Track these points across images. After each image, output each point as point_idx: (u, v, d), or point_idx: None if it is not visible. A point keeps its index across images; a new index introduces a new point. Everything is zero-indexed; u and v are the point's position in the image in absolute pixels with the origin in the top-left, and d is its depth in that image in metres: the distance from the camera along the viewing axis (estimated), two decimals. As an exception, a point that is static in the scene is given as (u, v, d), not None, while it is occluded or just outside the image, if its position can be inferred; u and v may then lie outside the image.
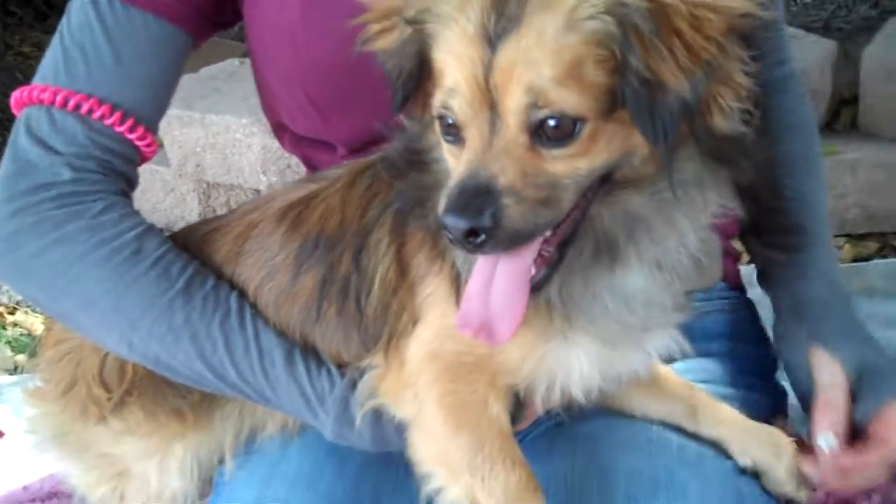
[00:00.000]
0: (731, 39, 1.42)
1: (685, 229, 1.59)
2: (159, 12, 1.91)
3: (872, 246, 4.48)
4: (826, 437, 1.80)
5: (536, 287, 1.49)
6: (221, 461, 2.01)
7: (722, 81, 1.43)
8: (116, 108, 1.89)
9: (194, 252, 1.90)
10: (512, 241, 1.40)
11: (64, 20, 1.94)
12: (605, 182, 1.48)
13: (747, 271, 2.35)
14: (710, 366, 2.07)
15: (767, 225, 2.08)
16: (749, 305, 2.29)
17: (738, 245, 2.43)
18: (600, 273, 1.58)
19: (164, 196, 5.04)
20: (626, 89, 1.39)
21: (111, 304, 1.82)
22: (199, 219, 4.93)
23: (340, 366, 1.81)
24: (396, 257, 1.73)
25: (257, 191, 4.73)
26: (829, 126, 4.65)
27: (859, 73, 4.55)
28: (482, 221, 1.36)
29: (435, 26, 1.49)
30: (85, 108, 1.87)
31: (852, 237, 4.50)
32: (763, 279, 2.11)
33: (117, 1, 1.90)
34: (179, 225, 5.08)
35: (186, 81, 4.75)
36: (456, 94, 1.43)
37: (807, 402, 1.91)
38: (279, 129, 2.23)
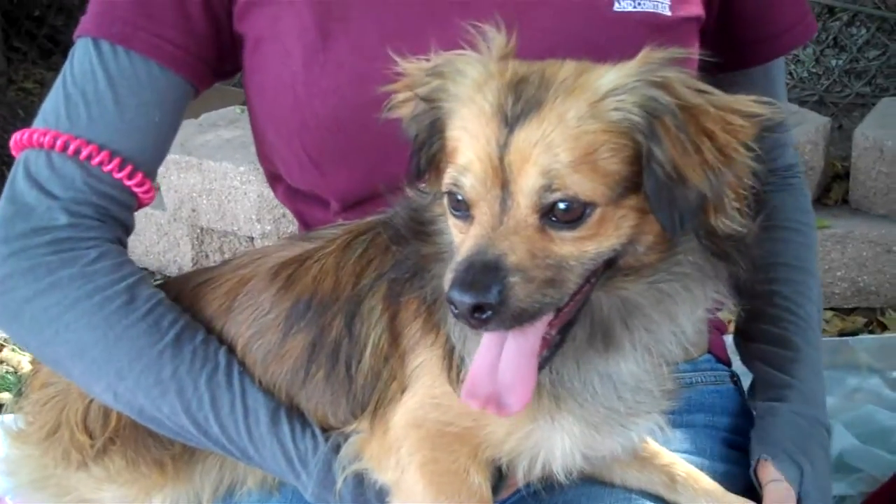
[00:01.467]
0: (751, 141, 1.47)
1: (682, 321, 1.60)
2: (162, 60, 1.93)
3: (859, 320, 4.51)
4: None
5: (538, 367, 1.49)
6: (199, 514, 2.00)
7: (729, 184, 1.48)
8: (116, 154, 1.90)
9: (185, 304, 1.90)
10: (516, 320, 1.40)
11: (67, 64, 1.96)
12: (610, 267, 1.49)
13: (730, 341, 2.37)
14: (691, 437, 2.08)
15: (757, 332, 2.12)
16: (734, 378, 2.30)
17: (724, 315, 2.45)
18: (593, 357, 1.59)
19: (158, 239, 5.05)
20: (648, 179, 1.43)
21: (100, 352, 1.82)
22: (191, 263, 5.00)
23: (326, 430, 1.80)
24: (389, 326, 1.73)
25: (251, 238, 4.74)
26: (821, 200, 4.71)
27: (852, 149, 4.59)
28: (488, 298, 1.36)
29: (450, 105, 1.51)
30: (84, 153, 1.88)
31: (840, 311, 4.53)
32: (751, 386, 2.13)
33: (121, 47, 1.92)
34: (172, 269, 5.09)
35: (186, 126, 4.79)
36: (468, 171, 1.44)
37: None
38: (274, 180, 2.23)
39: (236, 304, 1.86)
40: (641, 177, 1.44)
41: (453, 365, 1.62)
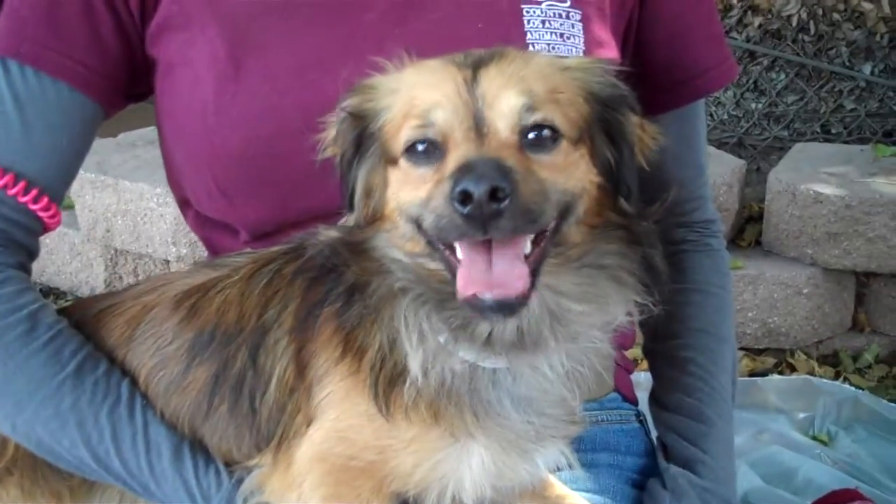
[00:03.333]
0: None
1: (613, 309, 1.61)
2: (72, 81, 1.89)
3: (769, 361, 4.58)
4: None
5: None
6: (96, 545, 1.95)
7: None
8: (21, 177, 1.86)
9: (88, 331, 1.85)
10: (523, 219, 1.38)
11: None
12: (559, 225, 1.50)
13: (640, 378, 2.39)
14: (595, 476, 2.08)
15: (670, 402, 2.11)
16: (640, 417, 2.31)
17: (631, 354, 2.47)
18: (517, 366, 1.59)
19: (71, 259, 4.96)
20: (624, 145, 1.57)
21: None
22: (104, 285, 4.92)
23: (230, 464, 1.77)
24: (295, 358, 1.70)
25: (167, 261, 4.67)
26: (734, 241, 4.79)
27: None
28: (505, 182, 1.33)
29: (387, 98, 1.55)
30: None
31: (750, 351, 4.60)
32: (659, 440, 2.14)
33: (29, 67, 1.87)
34: (84, 290, 5.00)
35: (103, 145, 4.72)
36: (437, 108, 1.45)
37: None
38: (184, 205, 2.19)
39: (139, 332, 1.82)
40: (589, 136, 1.54)
41: (381, 382, 1.59)
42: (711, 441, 2.05)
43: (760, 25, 6.15)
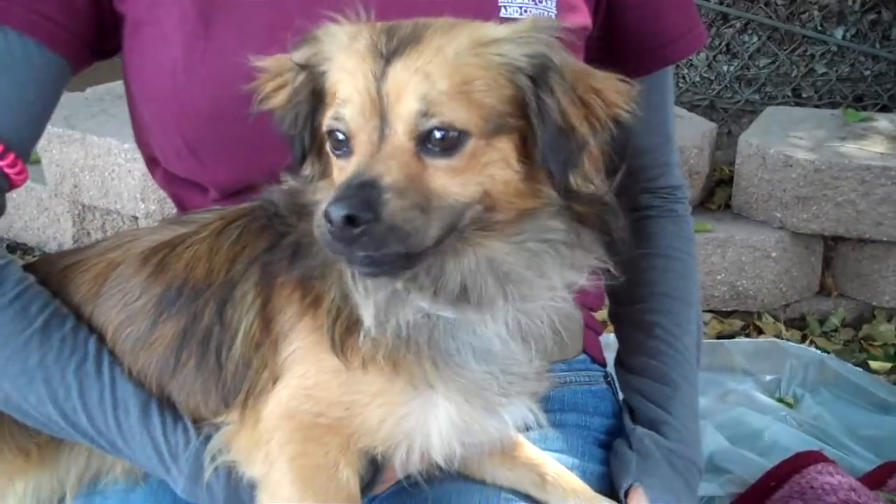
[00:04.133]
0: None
1: (553, 278, 1.62)
2: (39, 37, 1.86)
3: (737, 323, 4.62)
4: None
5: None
6: (62, 500, 1.94)
7: (590, 147, 1.55)
8: None
9: (54, 287, 1.84)
10: (387, 237, 1.40)
11: None
12: (474, 221, 1.51)
13: (606, 340, 2.40)
14: (563, 437, 2.09)
15: (635, 365, 2.13)
16: (608, 378, 2.32)
17: (600, 317, 2.47)
18: (467, 314, 1.59)
19: (38, 214, 4.92)
20: (540, 125, 1.49)
21: None
22: (72, 241, 4.88)
23: (197, 421, 1.77)
24: (261, 312, 1.70)
25: (135, 218, 4.64)
26: (704, 204, 4.80)
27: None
28: (361, 210, 1.38)
29: (327, 63, 1.53)
30: None
31: (718, 314, 4.63)
32: (625, 402, 2.16)
33: None
34: (52, 245, 4.96)
35: (71, 99, 4.67)
36: (347, 104, 1.46)
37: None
38: (151, 163, 2.17)
39: (105, 289, 1.81)
40: (516, 120, 1.50)
41: (337, 330, 1.60)
42: (677, 403, 2.07)
43: (733, -11, 6.16)
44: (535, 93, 1.49)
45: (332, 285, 1.61)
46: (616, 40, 2.11)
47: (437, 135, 1.44)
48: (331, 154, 1.54)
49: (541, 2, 1.95)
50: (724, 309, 4.64)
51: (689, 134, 4.66)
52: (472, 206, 1.49)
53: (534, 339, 1.66)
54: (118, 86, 4.89)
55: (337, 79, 1.51)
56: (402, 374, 1.61)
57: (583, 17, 2.00)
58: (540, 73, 1.49)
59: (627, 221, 1.63)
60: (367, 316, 1.58)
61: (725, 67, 6.04)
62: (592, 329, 2.35)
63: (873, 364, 4.29)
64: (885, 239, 4.49)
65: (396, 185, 1.41)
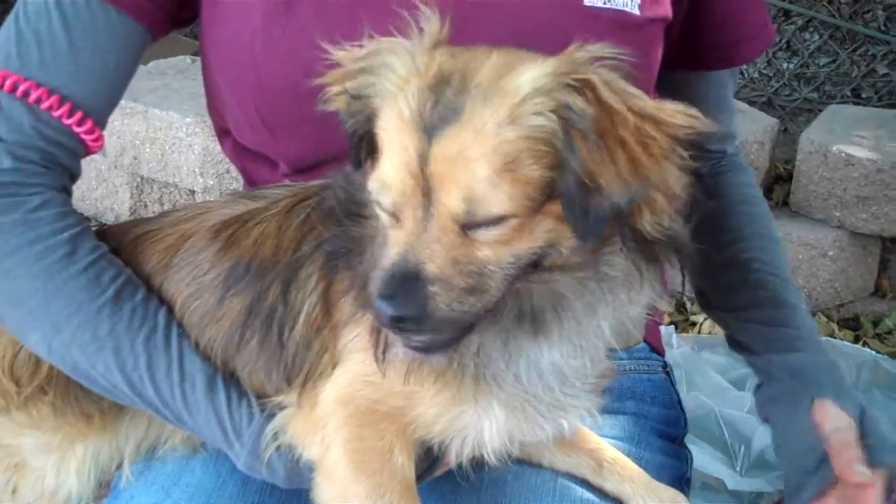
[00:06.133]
0: (673, 151, 1.44)
1: (601, 322, 1.60)
2: (120, 4, 1.88)
3: (790, 322, 4.56)
4: (861, 468, 1.83)
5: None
6: (120, 466, 1.97)
7: (658, 189, 1.44)
8: (66, 99, 1.84)
9: (125, 257, 1.86)
10: (439, 329, 1.42)
11: (20, 1, 1.90)
12: (533, 269, 1.49)
13: (667, 332, 2.39)
14: (621, 423, 2.10)
15: (744, 301, 2.11)
16: (666, 369, 2.32)
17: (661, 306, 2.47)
18: (520, 341, 1.58)
19: (97, 185, 4.97)
20: (562, 186, 1.40)
21: (38, 303, 1.77)
22: (129, 213, 4.92)
23: (262, 397, 1.78)
24: (324, 296, 1.71)
25: (192, 192, 4.67)
26: (763, 200, 4.76)
27: (796, 152, 4.65)
28: (408, 311, 1.38)
29: (378, 101, 1.49)
30: (34, 96, 1.82)
31: (771, 311, 4.58)
32: (741, 347, 2.13)
33: None
34: (108, 216, 5.02)
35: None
36: (390, 186, 1.43)
37: (799, 459, 1.94)
38: (223, 134, 2.19)
39: (175, 260, 1.83)
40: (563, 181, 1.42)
41: (380, 343, 1.60)
42: (800, 319, 2.06)
43: (796, -13, 6.09)
44: (563, 155, 1.40)
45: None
46: (695, 33, 2.11)
47: (482, 221, 1.41)
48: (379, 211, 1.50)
49: None
50: (777, 307, 4.59)
51: (751, 128, 4.63)
52: (527, 266, 1.47)
53: (588, 354, 1.66)
54: (180, 60, 4.94)
55: (382, 139, 1.47)
56: (449, 388, 1.62)
57: (665, 9, 1.99)
58: (565, 131, 1.39)
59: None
60: None
61: (785, 64, 5.99)
62: (653, 319, 2.34)
63: (926, 369, 4.23)
64: (944, 243, 4.45)
65: (442, 274, 1.39)
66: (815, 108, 5.49)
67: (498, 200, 1.38)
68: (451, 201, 1.39)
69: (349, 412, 1.66)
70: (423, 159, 1.39)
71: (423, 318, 1.39)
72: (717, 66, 2.18)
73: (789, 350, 2.02)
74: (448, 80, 1.42)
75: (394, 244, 1.43)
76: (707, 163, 2.08)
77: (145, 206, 4.87)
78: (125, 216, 4.90)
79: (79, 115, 1.86)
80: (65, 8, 1.86)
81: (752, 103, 5.76)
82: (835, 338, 4.41)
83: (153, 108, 4.57)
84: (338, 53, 1.58)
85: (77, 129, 1.86)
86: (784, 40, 5.98)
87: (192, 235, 1.84)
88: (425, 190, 1.40)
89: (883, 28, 5.90)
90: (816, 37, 5.96)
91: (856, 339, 4.50)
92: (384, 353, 1.60)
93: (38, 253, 1.78)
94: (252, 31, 1.91)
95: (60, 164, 1.88)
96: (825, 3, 5.85)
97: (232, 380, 1.79)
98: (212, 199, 4.60)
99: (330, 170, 1.78)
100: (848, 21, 5.85)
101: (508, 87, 1.40)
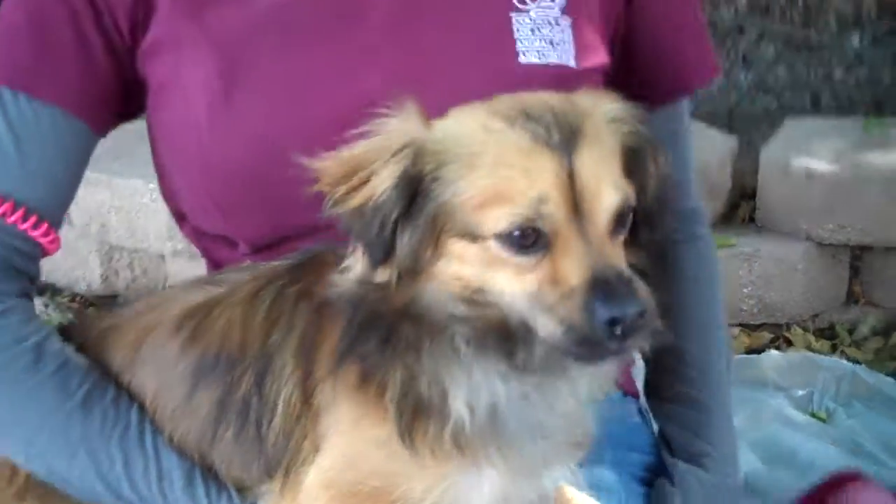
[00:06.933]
0: None
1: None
2: (65, 106, 1.87)
3: (766, 336, 4.60)
4: None
5: None
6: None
7: None
8: (19, 204, 1.84)
9: (91, 354, 1.84)
10: (649, 324, 1.44)
11: None
12: None
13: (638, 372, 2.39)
14: (598, 473, 2.08)
15: (669, 393, 2.13)
16: (641, 413, 2.32)
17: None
18: (544, 394, 1.59)
19: (66, 255, 4.95)
20: (651, 194, 1.58)
21: (8, 413, 1.77)
22: (100, 280, 4.91)
23: (241, 489, 1.75)
24: (301, 384, 1.68)
25: (162, 256, 4.67)
26: (727, 219, 4.80)
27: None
28: (645, 304, 1.41)
29: (455, 166, 1.48)
30: None
31: (747, 327, 4.62)
32: (662, 439, 2.16)
33: (22, 94, 1.86)
34: (80, 285, 4.99)
35: (95, 141, 4.68)
36: (547, 200, 1.43)
37: None
38: (179, 218, 2.17)
39: (142, 354, 1.80)
40: None
41: (405, 418, 1.57)
42: (714, 430, 2.07)
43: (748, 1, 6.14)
44: (645, 167, 1.57)
45: (397, 371, 1.57)
46: (632, 73, 2.10)
47: (624, 217, 1.48)
48: (504, 252, 1.47)
49: (558, 45, 1.95)
50: (752, 322, 4.63)
51: (710, 149, 4.67)
52: None
53: (573, 410, 1.66)
54: (140, 126, 4.90)
55: (500, 177, 1.46)
56: (468, 456, 1.59)
57: (601, 57, 2.01)
58: (646, 148, 1.57)
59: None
60: (459, 401, 1.55)
61: (743, 76, 6.03)
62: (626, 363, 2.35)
63: (905, 374, 4.26)
64: (912, 246, 4.48)
65: (630, 273, 1.44)
66: (775, 117, 5.52)
67: (630, 193, 1.50)
68: (608, 198, 1.45)
69: (332, 495, 1.64)
70: (570, 174, 1.44)
71: (648, 311, 1.41)
72: (657, 101, 2.11)
73: (698, 464, 2.04)
74: (534, 111, 1.49)
75: (571, 263, 1.44)
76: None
77: (116, 273, 4.86)
78: (97, 284, 4.88)
79: (33, 219, 1.85)
80: (9, 114, 1.86)
81: (711, 115, 5.81)
82: (811, 349, 4.44)
83: (116, 177, 4.58)
84: (323, 162, 1.55)
85: (33, 233, 1.86)
86: (740, 54, 6.03)
87: (155, 327, 1.81)
88: (575, 205, 1.44)
89: (836, 35, 5.95)
90: (771, 48, 6.01)
91: (833, 349, 4.53)
92: (409, 429, 1.57)
93: (2, 363, 1.77)
94: (196, 117, 1.91)
95: (17, 268, 1.88)
96: (777, 15, 5.91)
97: (210, 473, 1.77)
98: (182, 261, 4.62)
99: (290, 247, 1.79)
100: (801, 29, 5.90)
101: (596, 110, 1.54)
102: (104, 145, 1.90)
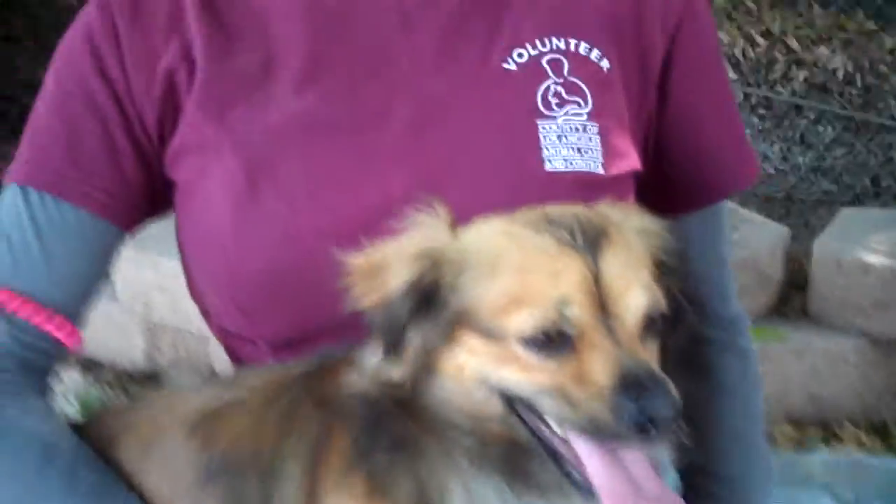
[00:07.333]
0: None
1: None
2: (93, 208, 1.87)
3: (815, 432, 4.48)
4: None
5: None
6: None
7: None
8: (43, 305, 1.84)
9: (103, 450, 1.81)
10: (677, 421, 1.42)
11: None
12: None
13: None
14: None
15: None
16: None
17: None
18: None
19: (110, 332, 5.00)
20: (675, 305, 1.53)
21: None
22: (143, 357, 4.95)
23: None
24: (309, 495, 1.64)
25: (206, 337, 4.68)
26: (779, 310, 4.70)
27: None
28: (674, 405, 1.37)
29: (471, 272, 1.48)
30: (11, 306, 1.82)
31: (796, 423, 4.50)
32: None
33: (48, 196, 1.86)
34: (123, 361, 5.04)
35: (142, 221, 4.76)
36: (571, 303, 1.42)
37: None
38: (206, 315, 2.18)
39: (152, 456, 1.78)
40: None
41: None
42: None
43: (805, 79, 6.09)
44: (670, 279, 1.55)
45: (406, 482, 1.55)
46: (668, 179, 2.04)
47: (654, 321, 1.46)
48: (528, 354, 1.45)
49: (586, 153, 1.91)
50: (801, 418, 4.52)
51: (761, 238, 4.60)
52: None
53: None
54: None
55: (523, 281, 1.45)
56: None
57: (632, 162, 1.95)
58: (674, 261, 1.57)
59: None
60: None
61: (801, 158, 5.96)
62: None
63: (959, 476, 4.12)
64: (966, 343, 4.36)
65: (662, 373, 1.41)
66: (834, 200, 5.45)
67: (661, 299, 1.47)
68: (636, 298, 1.43)
69: None
70: (596, 276, 1.42)
71: (678, 413, 1.37)
72: (694, 205, 2.07)
73: None
74: (559, 219, 1.48)
75: (600, 363, 1.41)
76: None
77: (159, 350, 4.89)
78: (140, 361, 4.92)
79: (57, 319, 1.85)
80: (36, 215, 1.86)
81: (769, 199, 5.74)
82: (862, 444, 4.33)
83: (161, 257, 4.62)
84: (357, 258, 1.56)
85: (56, 334, 1.86)
86: (798, 134, 5.98)
87: (167, 429, 1.79)
88: (603, 307, 1.42)
89: (896, 116, 5.89)
90: (830, 129, 5.95)
91: (885, 447, 4.39)
92: None
93: (16, 457, 1.76)
94: (221, 225, 1.90)
95: (36, 367, 1.88)
96: (836, 96, 5.85)
97: None
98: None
99: (311, 343, 1.76)
100: (860, 111, 5.83)
101: (622, 221, 1.54)
102: (150, 226, 1.94)
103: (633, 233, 1.53)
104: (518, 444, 1.49)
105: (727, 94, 2.12)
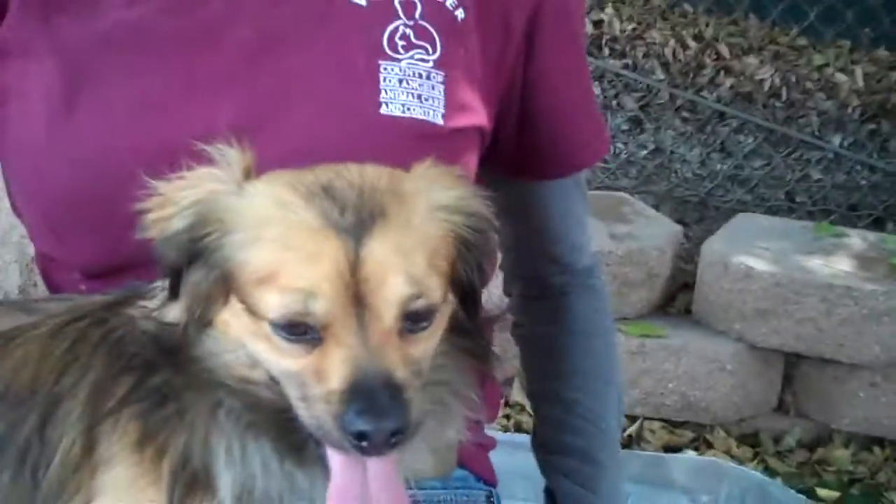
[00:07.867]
0: None
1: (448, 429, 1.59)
2: None
3: (687, 435, 4.47)
4: None
5: None
6: None
7: None
8: None
9: None
10: (414, 434, 1.36)
11: None
12: None
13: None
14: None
15: (559, 444, 2.07)
16: (491, 499, 2.19)
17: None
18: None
19: (-13, 261, 4.89)
20: (473, 279, 1.49)
21: None
22: (17, 291, 4.82)
23: None
24: (85, 433, 1.58)
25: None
26: (664, 308, 4.67)
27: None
28: (405, 421, 1.32)
29: (239, 235, 1.41)
30: None
31: (668, 423, 4.49)
32: (548, 495, 2.10)
33: None
34: (-2, 293, 4.92)
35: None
36: (318, 295, 1.34)
37: None
38: (29, 234, 2.10)
39: None
40: (452, 269, 1.47)
41: (177, 491, 1.51)
42: (604, 484, 2.03)
43: (732, 87, 6.10)
44: (475, 258, 1.49)
45: (180, 439, 1.51)
46: (528, 148, 2.02)
47: (421, 312, 1.38)
48: (277, 338, 1.40)
49: (426, 100, 1.85)
50: (674, 419, 4.50)
51: (653, 234, 4.57)
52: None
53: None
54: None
55: (280, 258, 1.38)
56: None
57: (476, 118, 1.90)
58: (479, 239, 1.49)
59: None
60: (226, 490, 1.49)
61: (719, 166, 5.96)
62: (482, 446, 2.22)
63: (821, 492, 4.12)
64: (846, 361, 4.33)
65: (407, 378, 1.35)
66: (749, 210, 5.44)
67: (433, 291, 1.39)
68: (395, 289, 1.35)
69: None
70: (355, 263, 1.34)
71: (409, 427, 1.33)
72: (551, 176, 2.08)
73: None
74: (340, 190, 1.40)
75: (339, 363, 1.35)
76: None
77: (35, 284, 4.78)
78: (14, 293, 4.81)
79: None
80: None
81: (685, 202, 5.73)
82: (732, 454, 4.32)
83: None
84: (161, 186, 1.49)
85: None
86: (718, 141, 5.98)
87: None
88: (358, 296, 1.34)
89: (817, 134, 5.90)
90: (751, 139, 5.96)
91: (755, 457, 4.39)
92: (182, 500, 1.51)
93: None
94: (35, 135, 1.83)
95: None
96: (760, 107, 5.87)
97: None
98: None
99: (125, 276, 1.70)
100: (782, 125, 5.85)
101: (420, 196, 1.44)
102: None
103: (428, 209, 1.44)
104: (286, 413, 1.44)
105: (585, 64, 2.12)
